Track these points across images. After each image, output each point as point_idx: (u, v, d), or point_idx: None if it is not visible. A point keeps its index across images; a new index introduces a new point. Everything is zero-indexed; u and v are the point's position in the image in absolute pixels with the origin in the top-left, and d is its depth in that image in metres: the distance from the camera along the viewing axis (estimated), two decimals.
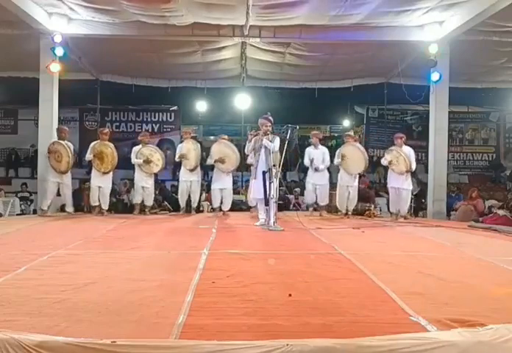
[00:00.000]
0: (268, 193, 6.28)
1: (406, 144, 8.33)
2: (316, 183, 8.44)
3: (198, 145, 8.72)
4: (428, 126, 9.89)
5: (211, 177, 8.95)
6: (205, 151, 9.53)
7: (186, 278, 3.13)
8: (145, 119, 15.09)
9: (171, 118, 15.15)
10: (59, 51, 8.59)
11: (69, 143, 8.28)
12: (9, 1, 7.19)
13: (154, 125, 15.03)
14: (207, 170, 10.39)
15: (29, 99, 10.87)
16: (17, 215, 9.73)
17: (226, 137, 8.79)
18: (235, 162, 8.37)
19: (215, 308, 2.51)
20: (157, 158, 8.46)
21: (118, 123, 14.89)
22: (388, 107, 14.57)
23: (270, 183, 6.26)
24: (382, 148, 13.44)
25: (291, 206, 10.42)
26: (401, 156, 7.97)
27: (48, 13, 8.38)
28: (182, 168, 8.59)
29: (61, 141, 8.15)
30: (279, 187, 7.46)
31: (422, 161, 14.60)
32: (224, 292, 2.83)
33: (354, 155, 8.23)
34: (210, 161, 8.45)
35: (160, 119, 15.09)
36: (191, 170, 8.47)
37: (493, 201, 9.70)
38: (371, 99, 14.91)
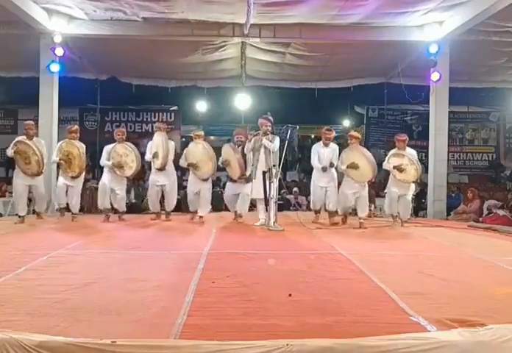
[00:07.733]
0: (268, 193, 6.28)
1: (408, 145, 7.26)
2: (326, 185, 7.20)
3: (172, 142, 7.53)
4: (428, 126, 9.88)
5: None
6: None
7: (186, 278, 3.14)
8: (145, 119, 15.04)
9: (171, 118, 15.10)
10: (59, 51, 8.58)
11: (38, 143, 7.00)
12: (9, 1, 7.18)
13: (154, 125, 14.99)
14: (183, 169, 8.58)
15: (29, 99, 10.83)
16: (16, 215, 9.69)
17: (201, 133, 7.48)
18: (211, 171, 7.07)
19: (215, 308, 2.51)
20: (131, 159, 7.09)
21: (118, 123, 14.82)
22: (388, 107, 14.53)
23: (270, 183, 6.26)
24: (382, 148, 13.45)
25: (291, 206, 10.41)
26: (414, 165, 6.84)
27: (48, 13, 8.36)
28: (152, 168, 7.43)
29: (26, 141, 6.84)
30: (281, 189, 7.20)
31: (422, 161, 14.58)
32: (224, 292, 2.83)
33: (360, 162, 6.84)
34: (182, 163, 7.31)
35: (160, 119, 15.03)
36: (160, 170, 7.22)
37: (493, 201, 9.68)
38: (371, 99, 14.86)
